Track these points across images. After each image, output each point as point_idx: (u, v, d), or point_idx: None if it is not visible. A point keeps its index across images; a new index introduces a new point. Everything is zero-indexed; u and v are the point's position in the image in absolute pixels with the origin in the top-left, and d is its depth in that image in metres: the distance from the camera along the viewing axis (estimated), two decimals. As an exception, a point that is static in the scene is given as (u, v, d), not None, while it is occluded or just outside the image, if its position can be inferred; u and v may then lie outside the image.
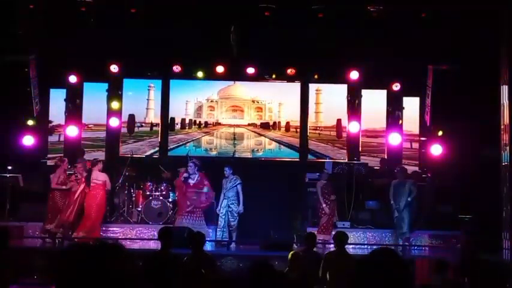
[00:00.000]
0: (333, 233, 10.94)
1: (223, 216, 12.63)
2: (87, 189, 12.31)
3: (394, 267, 2.89)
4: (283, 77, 15.54)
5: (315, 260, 8.68)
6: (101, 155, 15.39)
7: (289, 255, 8.31)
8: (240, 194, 12.67)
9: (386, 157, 15.32)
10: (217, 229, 12.67)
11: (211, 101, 16.09)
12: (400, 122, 15.42)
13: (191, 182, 12.71)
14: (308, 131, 15.78)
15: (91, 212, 12.27)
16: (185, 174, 12.75)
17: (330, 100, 15.89)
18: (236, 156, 15.72)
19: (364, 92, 15.49)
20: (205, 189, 12.77)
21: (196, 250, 7.69)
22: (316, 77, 15.61)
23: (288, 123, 15.98)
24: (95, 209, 12.30)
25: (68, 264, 2.71)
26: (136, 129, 15.83)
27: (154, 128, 15.90)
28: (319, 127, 15.91)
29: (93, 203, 12.31)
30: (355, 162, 14.84)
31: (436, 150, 14.70)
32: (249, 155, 16.00)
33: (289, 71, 15.29)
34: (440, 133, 14.70)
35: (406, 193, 12.52)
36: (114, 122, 15.42)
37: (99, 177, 12.41)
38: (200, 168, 12.91)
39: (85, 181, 12.37)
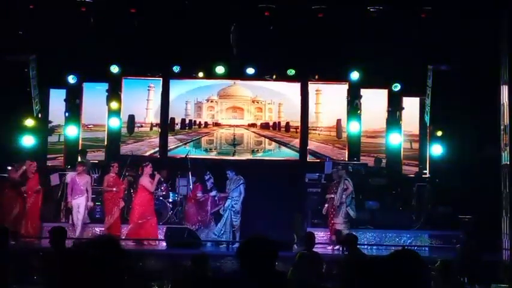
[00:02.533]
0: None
1: (227, 216, 12.69)
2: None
3: (415, 268, 2.90)
4: (283, 77, 15.53)
5: (315, 259, 8.67)
6: (101, 155, 15.41)
7: (297, 256, 8.29)
8: (242, 193, 12.75)
9: (384, 157, 15.32)
10: (218, 226, 12.74)
11: (211, 101, 16.09)
12: (400, 122, 15.41)
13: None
14: (308, 131, 15.78)
15: (132, 212, 12.64)
16: (213, 193, 12.92)
17: (330, 100, 15.88)
18: (236, 156, 15.72)
19: (364, 92, 15.48)
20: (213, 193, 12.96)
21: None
22: (316, 77, 15.61)
23: (288, 123, 15.98)
24: (134, 209, 12.55)
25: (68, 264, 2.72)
26: (136, 129, 15.83)
27: (154, 128, 15.89)
28: (319, 127, 15.91)
29: (133, 203, 12.72)
30: (355, 162, 14.83)
31: (436, 150, 14.69)
32: (249, 155, 15.99)
33: (289, 71, 15.28)
34: (439, 133, 14.70)
35: (341, 190, 12.59)
36: (114, 122, 15.42)
37: (141, 180, 12.56)
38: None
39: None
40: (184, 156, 14.31)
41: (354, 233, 9.47)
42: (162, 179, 13.24)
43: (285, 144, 15.97)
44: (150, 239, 12.43)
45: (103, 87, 15.47)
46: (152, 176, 12.53)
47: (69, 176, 12.64)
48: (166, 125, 15.79)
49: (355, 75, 15.21)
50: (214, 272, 8.76)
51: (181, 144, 15.89)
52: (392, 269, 2.92)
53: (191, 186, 13.19)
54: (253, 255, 3.50)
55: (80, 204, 12.42)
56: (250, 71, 15.37)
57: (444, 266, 7.67)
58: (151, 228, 12.46)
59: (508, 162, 11.33)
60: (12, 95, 14.17)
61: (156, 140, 15.84)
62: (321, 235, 12.80)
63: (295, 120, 15.90)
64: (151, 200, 12.64)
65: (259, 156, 15.96)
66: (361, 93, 15.46)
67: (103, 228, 12.69)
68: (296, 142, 15.87)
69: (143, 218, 12.38)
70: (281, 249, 10.08)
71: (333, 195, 12.65)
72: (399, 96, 15.41)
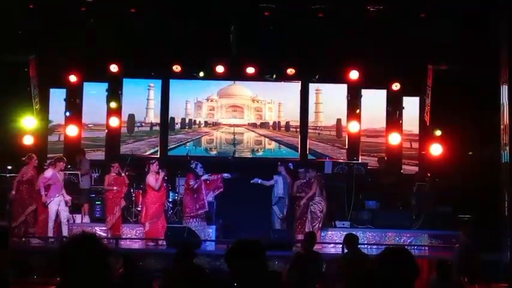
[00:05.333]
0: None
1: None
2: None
3: (407, 266, 2.90)
4: (283, 77, 15.53)
5: (315, 259, 8.68)
6: (101, 155, 15.41)
7: (293, 256, 8.30)
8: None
9: (385, 156, 15.32)
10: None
11: (211, 101, 16.10)
12: (400, 122, 15.41)
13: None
14: (308, 130, 15.78)
15: (144, 211, 12.72)
16: (205, 177, 12.81)
17: (330, 100, 15.89)
18: (236, 156, 15.72)
19: (364, 92, 15.49)
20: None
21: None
22: (316, 77, 15.60)
23: (288, 123, 15.99)
24: (146, 208, 12.59)
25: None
26: (136, 129, 15.83)
27: (154, 128, 15.90)
28: (319, 127, 15.91)
29: (144, 202, 12.81)
30: (355, 162, 14.83)
31: (436, 150, 14.69)
32: (248, 154, 16.00)
33: (289, 71, 15.28)
34: (438, 133, 14.69)
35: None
36: (114, 122, 15.41)
37: (147, 178, 12.60)
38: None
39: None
40: (185, 154, 14.26)
41: (354, 233, 9.46)
42: (167, 177, 13.19)
43: (285, 144, 15.98)
44: (149, 239, 12.42)
45: (103, 87, 15.47)
46: (158, 174, 12.54)
47: (50, 171, 12.45)
48: (166, 124, 15.79)
49: (355, 75, 15.20)
50: (214, 272, 8.77)
51: (181, 143, 15.90)
52: (383, 266, 2.92)
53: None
54: (241, 260, 3.49)
55: (61, 201, 12.28)
56: (250, 71, 15.37)
57: (441, 266, 7.69)
58: (162, 228, 12.42)
59: (508, 162, 11.34)
60: (12, 95, 14.17)
61: (156, 140, 15.85)
62: (322, 235, 12.81)
63: (295, 120, 15.90)
64: (160, 199, 12.60)
65: (259, 155, 15.97)
66: (361, 93, 15.47)
67: (104, 228, 12.69)
68: (296, 142, 15.87)
69: (154, 217, 12.39)
70: (281, 248, 10.10)
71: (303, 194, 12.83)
72: (399, 96, 15.41)
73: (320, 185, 12.83)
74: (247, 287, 3.43)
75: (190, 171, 12.83)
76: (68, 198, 12.49)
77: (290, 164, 13.46)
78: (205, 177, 12.78)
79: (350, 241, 8.66)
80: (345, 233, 11.84)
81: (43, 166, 12.81)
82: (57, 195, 12.23)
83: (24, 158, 12.79)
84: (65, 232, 12.13)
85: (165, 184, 13.67)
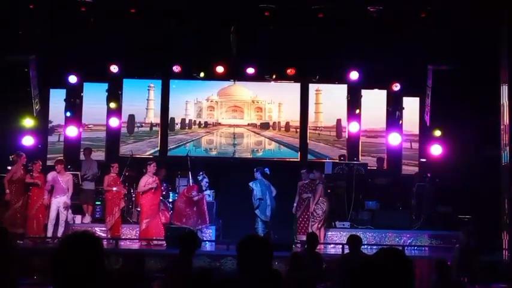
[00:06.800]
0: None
1: None
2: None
3: (400, 268, 2.89)
4: (283, 77, 15.54)
5: (317, 260, 8.68)
6: (101, 155, 15.40)
7: (291, 256, 8.30)
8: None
9: (385, 157, 15.33)
10: None
11: (211, 101, 16.09)
12: (400, 122, 15.41)
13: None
14: (308, 131, 15.78)
15: (140, 212, 12.71)
16: (207, 192, 12.83)
17: (329, 100, 15.88)
18: (236, 156, 15.73)
19: (364, 92, 15.49)
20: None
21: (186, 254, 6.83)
22: (316, 77, 15.60)
23: (288, 123, 15.98)
24: (141, 208, 12.58)
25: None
26: (136, 129, 15.84)
27: (154, 128, 15.90)
28: (319, 127, 15.91)
29: (140, 203, 12.75)
30: (355, 162, 14.83)
31: (436, 150, 14.70)
32: (248, 155, 15.99)
33: (289, 71, 15.28)
34: (438, 133, 14.69)
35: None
36: (114, 122, 15.42)
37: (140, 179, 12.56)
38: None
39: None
40: (186, 155, 14.25)
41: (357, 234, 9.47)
42: (156, 185, 12.91)
43: (285, 144, 15.97)
44: (148, 239, 12.40)
45: (103, 87, 15.47)
46: (153, 176, 12.49)
47: (51, 174, 12.48)
48: (166, 125, 15.80)
49: (355, 75, 15.21)
50: (215, 272, 8.77)
51: (181, 144, 15.90)
52: (377, 268, 2.92)
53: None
54: (251, 252, 3.55)
55: (61, 202, 12.29)
56: (250, 71, 15.37)
57: (441, 266, 7.69)
58: (157, 227, 12.38)
59: (508, 162, 11.34)
60: (12, 95, 14.18)
61: (156, 140, 15.85)
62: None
63: (295, 120, 15.90)
64: (153, 199, 12.54)
65: (259, 156, 15.96)
66: (361, 93, 15.47)
67: (104, 229, 12.69)
68: (296, 142, 15.87)
69: (148, 217, 12.37)
70: (281, 249, 10.11)
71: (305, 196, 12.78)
72: (399, 96, 15.41)
73: (324, 186, 12.81)
74: (251, 282, 3.45)
75: (196, 182, 12.88)
76: (68, 202, 12.46)
77: (266, 168, 13.43)
78: (207, 192, 12.85)
79: (352, 242, 8.67)
80: (345, 234, 11.94)
81: (28, 166, 12.77)
82: (57, 196, 12.25)
83: (12, 156, 12.76)
84: (59, 233, 12.13)
85: (165, 184, 13.66)
